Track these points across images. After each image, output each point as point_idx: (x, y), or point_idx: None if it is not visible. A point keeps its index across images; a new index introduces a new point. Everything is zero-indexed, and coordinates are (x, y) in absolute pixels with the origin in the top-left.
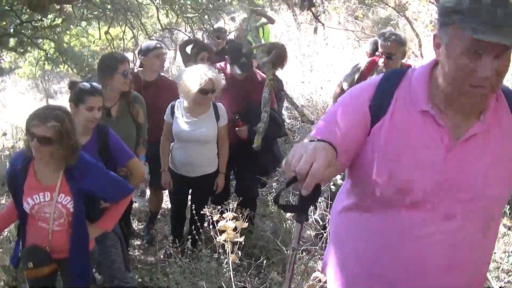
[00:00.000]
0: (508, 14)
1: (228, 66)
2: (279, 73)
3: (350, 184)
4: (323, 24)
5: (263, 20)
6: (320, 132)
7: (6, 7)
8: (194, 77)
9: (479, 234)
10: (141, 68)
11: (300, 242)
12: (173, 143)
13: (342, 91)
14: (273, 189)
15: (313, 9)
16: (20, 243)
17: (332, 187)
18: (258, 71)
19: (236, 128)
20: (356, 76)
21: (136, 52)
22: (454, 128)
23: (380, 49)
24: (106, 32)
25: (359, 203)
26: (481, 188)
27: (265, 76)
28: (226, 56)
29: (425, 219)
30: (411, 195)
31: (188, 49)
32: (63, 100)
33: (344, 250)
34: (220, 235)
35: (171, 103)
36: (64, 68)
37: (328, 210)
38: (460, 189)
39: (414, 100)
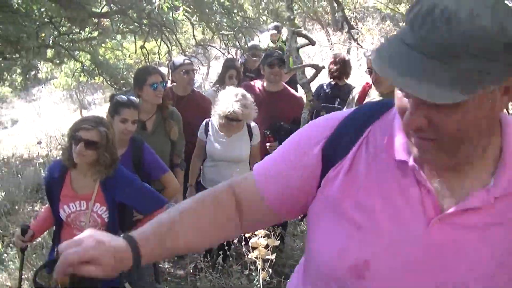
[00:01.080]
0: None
1: (265, 83)
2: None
3: (304, 256)
4: (360, 46)
5: (304, 41)
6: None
7: (46, 19)
8: (224, 102)
9: None
10: (175, 83)
11: None
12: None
13: None
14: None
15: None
16: (55, 250)
17: None
18: (290, 88)
19: (267, 144)
20: (354, 105)
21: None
22: (447, 192)
23: (367, 66)
24: (142, 46)
25: (308, 282)
26: None
27: (296, 94)
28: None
29: None
30: (368, 280)
31: None
32: (96, 111)
33: None
34: (252, 251)
35: (205, 121)
36: (98, 80)
37: None
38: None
39: (390, 145)
